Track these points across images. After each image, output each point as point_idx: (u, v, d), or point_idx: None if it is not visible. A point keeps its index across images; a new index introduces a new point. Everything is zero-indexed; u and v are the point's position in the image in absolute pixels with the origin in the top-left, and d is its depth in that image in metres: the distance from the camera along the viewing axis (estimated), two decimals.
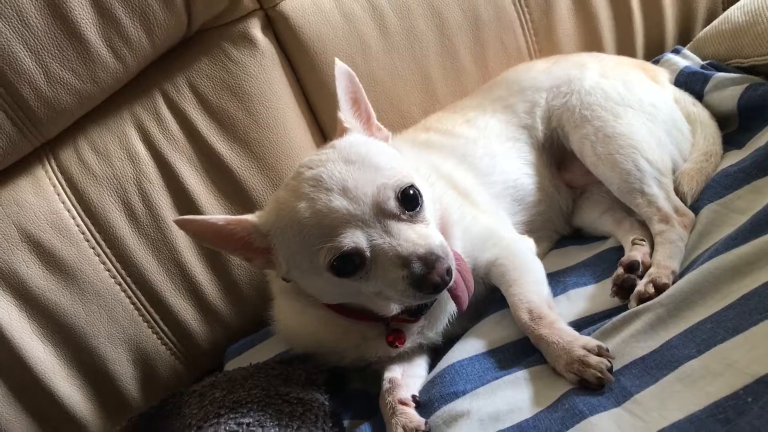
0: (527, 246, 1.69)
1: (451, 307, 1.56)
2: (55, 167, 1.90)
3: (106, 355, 1.91)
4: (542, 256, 1.78)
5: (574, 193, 1.90)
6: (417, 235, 1.33)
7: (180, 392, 1.58)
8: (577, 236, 1.89)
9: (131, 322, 1.94)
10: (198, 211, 1.96)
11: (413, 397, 1.46)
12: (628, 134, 1.70)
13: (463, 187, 1.73)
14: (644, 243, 1.59)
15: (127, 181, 1.92)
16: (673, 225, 1.56)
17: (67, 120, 1.86)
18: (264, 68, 1.99)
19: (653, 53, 2.28)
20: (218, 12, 1.93)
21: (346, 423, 1.49)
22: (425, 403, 1.43)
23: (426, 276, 1.28)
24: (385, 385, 1.49)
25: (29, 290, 1.84)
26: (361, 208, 1.31)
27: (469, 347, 1.50)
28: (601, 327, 1.37)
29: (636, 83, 1.85)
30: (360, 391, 1.62)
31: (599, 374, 1.24)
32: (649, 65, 2.04)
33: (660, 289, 1.39)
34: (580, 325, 1.44)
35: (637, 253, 1.55)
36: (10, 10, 1.65)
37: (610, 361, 1.25)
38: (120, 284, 1.92)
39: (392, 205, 1.34)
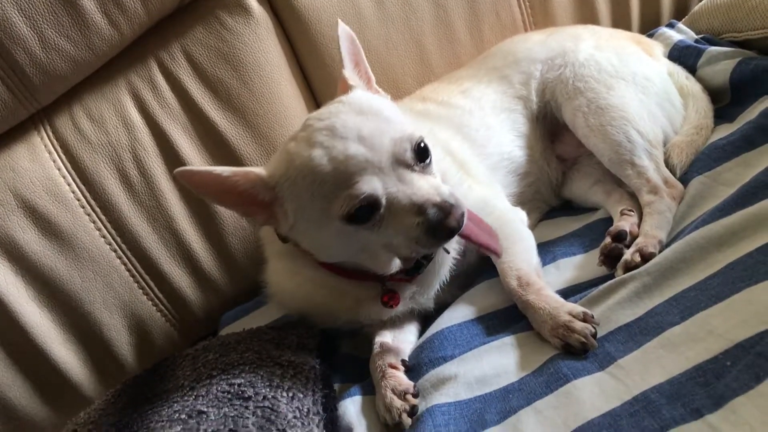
0: (519, 217, 1.70)
1: (444, 272, 1.59)
2: (51, 134, 1.90)
3: (101, 320, 1.94)
4: (532, 227, 1.79)
5: (564, 165, 1.92)
6: (429, 185, 1.35)
7: (173, 355, 1.60)
8: (568, 207, 1.91)
9: (126, 288, 1.96)
10: None
11: (403, 361, 1.48)
12: (620, 106, 1.72)
13: (461, 158, 1.74)
14: (633, 213, 1.61)
15: (122, 149, 1.93)
16: (662, 196, 1.58)
17: (62, 86, 1.86)
18: (259, 37, 1.98)
19: (648, 27, 2.28)
20: None
21: (336, 386, 1.52)
22: (414, 367, 1.46)
23: (442, 221, 1.30)
24: (376, 348, 1.52)
25: (25, 256, 1.86)
26: (378, 156, 1.32)
27: (458, 314, 1.52)
28: (588, 294, 1.39)
29: (630, 56, 1.85)
30: (350, 356, 1.64)
31: (583, 339, 1.26)
32: (644, 38, 2.05)
33: (646, 258, 1.41)
34: (568, 293, 1.47)
35: (625, 223, 1.57)
36: None
37: (594, 327, 1.28)
38: (115, 251, 1.94)
39: (408, 155, 1.35)
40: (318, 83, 2.12)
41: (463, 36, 2.19)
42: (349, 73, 1.52)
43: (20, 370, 1.89)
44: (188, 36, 1.96)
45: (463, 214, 1.32)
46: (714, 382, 1.06)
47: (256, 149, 2.01)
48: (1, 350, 1.86)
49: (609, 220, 1.67)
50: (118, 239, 1.94)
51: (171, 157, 1.96)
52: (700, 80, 1.91)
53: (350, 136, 1.33)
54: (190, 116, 1.98)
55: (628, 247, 1.49)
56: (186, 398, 1.34)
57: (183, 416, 1.27)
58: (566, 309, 1.32)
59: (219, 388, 1.32)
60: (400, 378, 1.40)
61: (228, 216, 2.01)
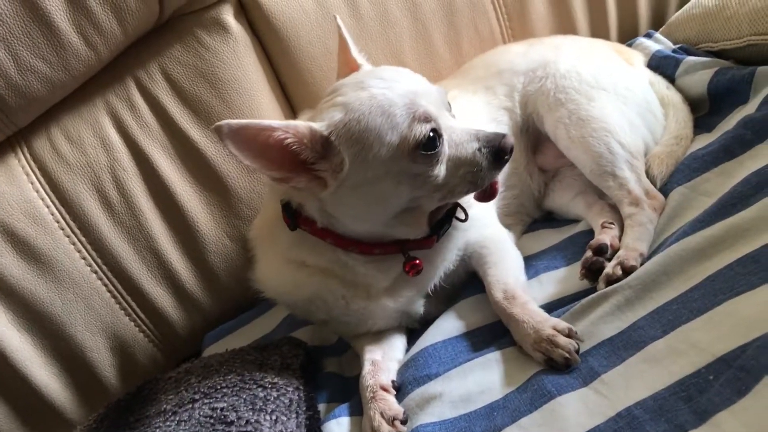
0: (510, 237, 1.71)
1: (441, 271, 1.58)
2: (29, 156, 1.89)
3: (83, 343, 1.92)
4: (516, 239, 1.79)
5: (546, 177, 1.92)
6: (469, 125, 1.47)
7: (156, 378, 1.59)
8: (549, 219, 1.91)
9: (108, 309, 1.94)
10: (173, 199, 1.97)
11: (392, 382, 1.47)
12: (601, 117, 1.72)
13: None
14: (613, 226, 1.62)
15: (101, 169, 1.92)
16: (643, 208, 1.58)
17: (39, 108, 1.85)
18: (237, 54, 1.98)
19: (626, 37, 2.30)
20: None
21: (321, 407, 1.51)
22: (399, 386, 1.45)
23: (501, 142, 1.40)
24: (367, 366, 1.50)
25: (4, 280, 1.84)
26: (433, 93, 1.45)
27: (443, 330, 1.52)
28: (571, 309, 1.39)
29: (611, 66, 1.86)
30: (335, 375, 1.63)
31: (566, 355, 1.26)
32: (624, 48, 2.06)
33: (628, 271, 1.41)
34: (551, 307, 1.46)
35: (606, 236, 1.57)
36: None
37: (578, 343, 1.28)
38: (96, 272, 1.92)
39: (447, 102, 1.49)
40: (297, 99, 2.12)
41: (441, 49, 2.19)
42: (355, 54, 1.62)
43: (0, 394, 1.86)
44: (166, 55, 1.96)
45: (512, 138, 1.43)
46: (697, 396, 1.06)
47: (237, 166, 2.00)
48: None
49: (590, 233, 1.67)
50: (99, 260, 1.92)
51: (151, 176, 1.95)
52: (678, 90, 1.92)
53: (401, 78, 1.44)
54: (170, 135, 1.97)
55: (610, 260, 1.49)
56: (168, 423, 1.33)
57: None
58: (550, 324, 1.32)
59: (201, 413, 1.31)
60: (390, 402, 1.39)
61: (209, 234, 2.00)
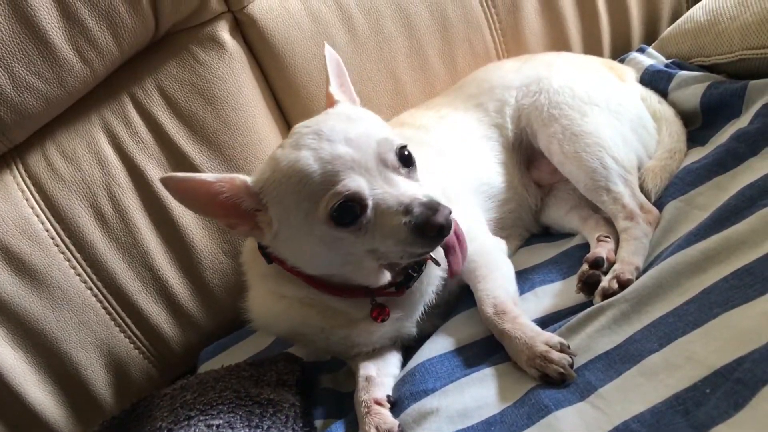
0: (499, 246, 1.71)
1: (431, 291, 1.58)
2: (24, 172, 1.88)
3: (78, 360, 1.91)
4: (512, 253, 1.80)
5: (543, 192, 1.92)
6: (415, 188, 1.36)
7: (151, 395, 1.58)
8: (545, 233, 1.92)
9: (103, 326, 1.93)
10: (168, 215, 1.97)
11: (387, 397, 1.46)
12: (595, 132, 1.73)
13: (443, 184, 1.72)
14: (609, 240, 1.62)
15: (97, 186, 1.92)
16: (637, 222, 1.59)
17: (34, 125, 1.85)
18: (232, 71, 1.99)
19: (619, 52, 2.32)
20: (186, 15, 1.93)
21: (317, 423, 1.50)
22: (396, 401, 1.44)
23: (429, 219, 1.29)
24: (361, 382, 1.49)
25: None
26: (365, 156, 1.33)
27: (438, 345, 1.51)
28: (567, 323, 1.39)
29: (603, 82, 1.87)
30: (331, 391, 1.63)
31: (561, 370, 1.26)
32: (616, 64, 2.07)
33: (623, 284, 1.41)
34: (547, 321, 1.47)
35: (602, 249, 1.58)
36: None
37: (571, 357, 1.28)
38: (91, 289, 1.91)
39: (392, 157, 1.37)
40: (293, 115, 2.12)
41: (436, 65, 2.20)
42: (334, 89, 1.56)
43: None
44: (162, 71, 1.96)
45: (450, 213, 1.31)
46: (694, 410, 1.05)
47: None
48: None
49: (586, 246, 1.67)
50: (94, 277, 1.92)
51: (146, 192, 1.95)
52: (671, 104, 1.93)
53: (337, 138, 1.35)
54: (165, 151, 1.97)
55: (606, 273, 1.49)
56: None
57: None
58: (542, 339, 1.32)
59: (197, 430, 1.30)
60: (384, 416, 1.38)
61: (205, 250, 2.00)
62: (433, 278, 1.58)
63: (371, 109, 2.09)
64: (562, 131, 1.75)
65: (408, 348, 1.63)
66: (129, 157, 1.95)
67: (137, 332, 1.98)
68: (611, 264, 1.53)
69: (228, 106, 1.98)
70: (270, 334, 1.75)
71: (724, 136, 1.67)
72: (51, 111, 1.84)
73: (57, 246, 1.89)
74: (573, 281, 1.54)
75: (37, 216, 1.87)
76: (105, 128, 1.94)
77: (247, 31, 2.04)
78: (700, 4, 2.09)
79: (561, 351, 1.29)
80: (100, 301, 1.92)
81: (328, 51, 1.59)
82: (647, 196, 1.66)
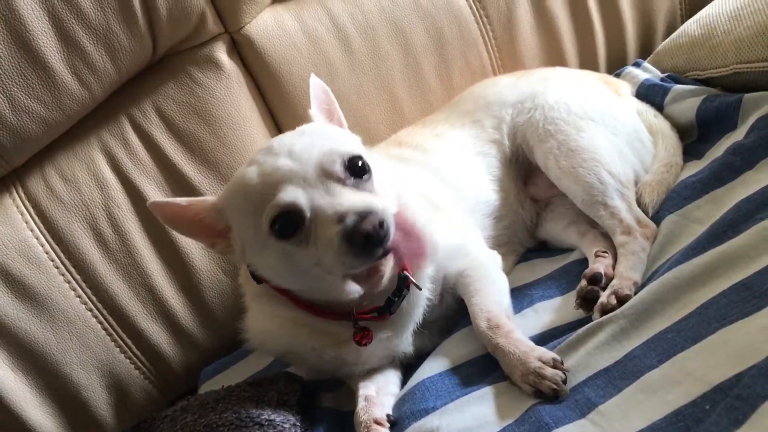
0: (494, 260, 1.71)
1: (418, 314, 1.57)
2: (23, 195, 1.89)
3: (78, 382, 1.90)
4: (509, 269, 1.80)
5: (538, 207, 1.93)
6: (360, 198, 1.33)
7: (152, 417, 1.58)
8: (543, 248, 1.92)
9: (103, 347, 1.93)
10: (168, 236, 1.97)
11: (387, 416, 1.46)
12: (591, 148, 1.74)
13: (438, 202, 1.74)
14: (607, 255, 1.62)
15: (96, 207, 1.92)
16: (635, 236, 1.59)
17: (33, 148, 1.86)
18: (230, 91, 2.00)
19: (615, 67, 2.33)
20: (183, 37, 1.94)
21: None
22: (396, 420, 1.44)
23: (356, 226, 1.27)
24: (361, 402, 1.49)
25: None
26: (304, 167, 1.33)
27: (438, 363, 1.51)
28: (567, 339, 1.39)
29: (599, 97, 1.88)
30: (332, 410, 1.62)
31: (554, 386, 1.26)
32: (611, 79, 2.09)
33: (622, 300, 1.41)
34: (546, 337, 1.47)
35: (600, 265, 1.58)
36: None
37: (565, 373, 1.28)
38: (91, 310, 1.91)
39: (337, 168, 1.35)
40: None
41: (433, 82, 2.22)
42: (313, 111, 1.57)
43: None
44: (160, 92, 1.98)
45: (383, 222, 1.28)
46: (694, 426, 1.05)
47: None
48: None
49: (584, 262, 1.68)
50: (94, 298, 1.91)
51: (145, 213, 1.95)
52: (667, 118, 1.94)
53: (282, 151, 1.37)
54: (164, 172, 1.98)
55: (604, 288, 1.49)
56: None
57: None
58: (536, 354, 1.32)
59: None
60: None
61: (205, 270, 2.00)
62: (420, 299, 1.56)
63: (368, 126, 2.15)
64: (558, 147, 1.76)
65: (409, 365, 1.63)
66: (128, 179, 1.95)
67: (138, 353, 1.98)
68: (609, 279, 1.53)
69: (226, 126, 1.99)
70: (266, 353, 1.75)
71: (720, 149, 1.68)
72: (50, 134, 1.85)
73: (57, 268, 1.89)
74: (572, 297, 1.54)
75: (37, 238, 1.88)
76: (104, 150, 1.95)
77: (244, 52, 2.06)
78: (694, 18, 2.10)
79: (554, 367, 1.29)
80: (101, 323, 1.92)
81: (313, 80, 1.60)
82: (644, 210, 1.66)
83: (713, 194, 1.57)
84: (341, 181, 1.36)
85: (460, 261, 1.63)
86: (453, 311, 1.65)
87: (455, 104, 2.06)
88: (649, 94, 2.02)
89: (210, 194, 1.98)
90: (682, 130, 1.91)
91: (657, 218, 1.63)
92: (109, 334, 1.94)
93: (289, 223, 1.32)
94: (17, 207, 1.88)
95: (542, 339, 1.46)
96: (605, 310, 1.41)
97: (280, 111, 2.12)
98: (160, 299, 1.98)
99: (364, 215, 1.28)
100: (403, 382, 1.59)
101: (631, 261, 1.54)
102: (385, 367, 1.61)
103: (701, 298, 1.27)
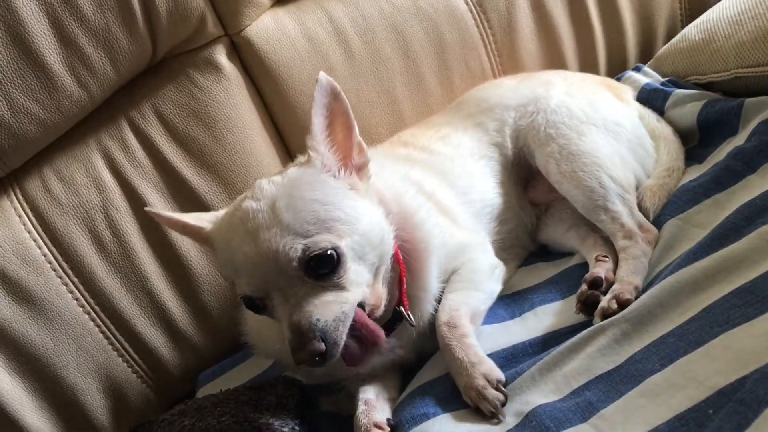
0: (495, 271, 1.69)
1: (423, 322, 1.56)
2: (21, 197, 1.88)
3: (75, 385, 1.89)
4: (512, 272, 1.80)
5: (538, 210, 1.92)
6: (315, 303, 1.30)
7: (149, 421, 1.57)
8: (544, 252, 1.91)
9: (101, 351, 1.92)
10: (166, 238, 1.96)
11: (387, 420, 1.44)
12: (592, 152, 1.73)
13: (445, 206, 1.73)
14: (607, 259, 1.61)
15: (94, 209, 1.91)
16: (636, 241, 1.58)
17: (32, 149, 1.85)
18: (230, 94, 2.00)
19: (615, 71, 2.32)
20: (183, 39, 1.94)
21: None
22: (396, 425, 1.42)
23: (296, 352, 1.28)
24: (360, 406, 1.47)
25: None
26: (263, 261, 1.30)
27: (438, 367, 1.49)
28: (568, 342, 1.38)
29: (601, 101, 1.88)
30: (331, 414, 1.61)
31: (492, 409, 1.29)
32: (614, 83, 2.08)
33: (623, 304, 1.40)
34: (549, 340, 1.46)
35: (600, 269, 1.57)
36: None
37: (505, 396, 1.31)
38: (88, 313, 1.90)
39: (294, 267, 1.30)
40: (291, 138, 2.13)
41: (433, 86, 2.21)
42: (312, 141, 1.44)
43: None
44: (159, 95, 1.97)
45: (320, 353, 1.26)
46: (697, 431, 1.05)
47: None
48: None
49: (585, 266, 1.67)
50: (91, 301, 1.90)
51: (144, 216, 1.93)
52: (668, 122, 1.94)
53: (251, 231, 1.32)
54: (163, 175, 1.97)
55: (605, 293, 1.48)
56: None
57: None
58: (482, 370, 1.33)
59: None
60: None
61: (203, 273, 1.99)
62: (426, 311, 1.56)
63: (369, 129, 2.14)
64: (559, 151, 1.75)
65: (409, 369, 1.62)
66: (127, 181, 1.94)
67: (135, 356, 1.96)
68: (610, 284, 1.52)
69: (225, 128, 1.99)
70: (266, 357, 1.74)
71: (721, 153, 1.68)
72: (48, 136, 1.84)
73: (54, 270, 1.88)
74: (573, 301, 1.53)
75: (35, 240, 1.87)
76: (102, 152, 1.94)
77: (243, 55, 2.05)
78: (694, 23, 2.10)
79: (497, 388, 1.31)
80: (98, 326, 1.91)
81: (320, 82, 1.40)
82: (645, 214, 1.65)
83: (715, 198, 1.56)
84: (300, 279, 1.31)
85: (458, 260, 1.63)
86: None
87: (457, 107, 2.05)
88: (649, 99, 2.02)
89: (209, 197, 1.99)
90: (683, 135, 1.90)
91: (658, 222, 1.63)
92: (107, 338, 1.92)
93: (253, 305, 1.38)
94: (15, 209, 1.87)
95: (543, 342, 1.45)
96: (606, 314, 1.40)
97: (279, 114, 2.11)
98: (157, 302, 1.97)
99: (304, 340, 1.27)
100: (402, 387, 1.58)
101: (632, 265, 1.53)
102: (385, 372, 1.60)
103: (703, 302, 1.26)
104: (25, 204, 1.88)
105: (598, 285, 1.52)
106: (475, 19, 2.22)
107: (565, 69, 2.28)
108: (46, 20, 1.72)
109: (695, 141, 1.89)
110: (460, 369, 1.35)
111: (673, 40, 2.17)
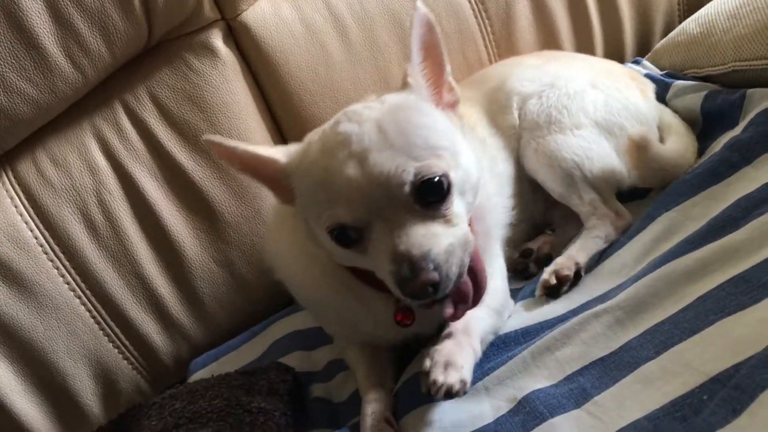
0: (509, 302, 1.59)
1: None
2: (13, 179, 1.87)
3: (65, 370, 1.88)
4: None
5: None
6: (424, 233, 1.20)
7: (140, 404, 1.57)
8: None
9: (91, 336, 1.90)
10: (159, 222, 1.95)
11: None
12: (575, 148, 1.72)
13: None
14: (552, 233, 1.78)
15: (87, 193, 1.90)
16: (605, 223, 1.63)
17: (25, 131, 1.83)
18: (226, 78, 1.98)
19: None
20: (179, 22, 1.92)
21: None
22: (394, 412, 1.41)
23: (407, 282, 1.17)
24: (371, 406, 1.41)
25: None
26: (371, 185, 1.19)
27: None
28: (561, 328, 1.37)
29: (625, 98, 1.81)
30: (323, 401, 1.60)
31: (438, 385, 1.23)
32: (639, 76, 1.99)
33: (561, 280, 1.49)
34: (542, 328, 1.45)
35: (537, 242, 1.75)
36: None
37: (454, 393, 1.24)
38: (80, 297, 1.89)
39: (405, 192, 1.20)
40: (286, 123, 2.11)
41: None
42: (411, 68, 1.38)
43: None
44: (154, 78, 1.95)
45: (435, 283, 1.17)
46: (692, 417, 1.04)
47: (225, 190, 1.99)
48: None
49: None
50: (83, 285, 1.89)
51: (137, 200, 1.93)
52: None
53: (356, 153, 1.21)
54: (157, 158, 1.96)
55: (539, 262, 1.69)
56: None
57: None
58: (458, 377, 1.25)
59: None
60: None
61: (196, 259, 1.98)
62: None
63: None
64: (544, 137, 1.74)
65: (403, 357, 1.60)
66: (120, 165, 1.93)
67: (126, 342, 1.95)
68: (544, 255, 1.70)
69: (220, 113, 1.97)
70: (294, 294, 1.64)
71: (718, 145, 1.67)
72: (42, 117, 1.83)
73: (46, 254, 1.86)
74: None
75: (26, 223, 1.85)
76: (96, 135, 1.92)
77: (240, 39, 2.03)
78: (693, 17, 2.09)
79: (446, 393, 1.22)
80: (89, 310, 1.90)
81: (418, 13, 1.33)
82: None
83: (710, 191, 1.55)
84: (408, 206, 1.22)
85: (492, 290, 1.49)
86: None
87: (480, 82, 1.97)
88: None
89: (204, 182, 1.97)
90: None
91: (653, 215, 1.61)
92: (98, 323, 1.91)
93: (345, 236, 1.25)
94: (7, 191, 1.86)
95: (536, 331, 1.44)
96: (546, 286, 1.52)
97: (275, 100, 2.09)
98: (149, 288, 1.96)
99: (417, 270, 1.16)
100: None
101: (584, 243, 1.59)
102: (383, 358, 1.57)
103: (699, 290, 1.26)
104: (17, 186, 1.86)
105: (527, 255, 1.71)
106: (473, 10, 2.20)
107: None
108: None
109: (696, 132, 1.88)
110: (444, 349, 1.28)
111: (671, 34, 2.16)
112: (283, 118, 2.12)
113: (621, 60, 2.33)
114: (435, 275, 1.16)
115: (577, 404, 1.20)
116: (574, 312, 1.45)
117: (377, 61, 2.13)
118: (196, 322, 2.02)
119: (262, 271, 1.79)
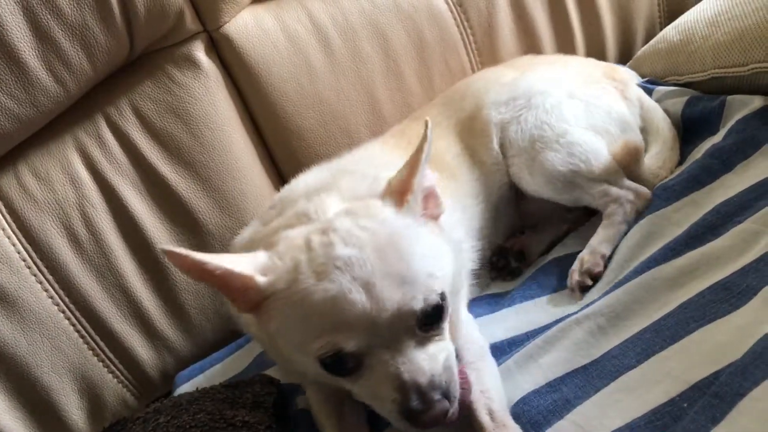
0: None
1: None
2: None
3: (50, 385, 1.86)
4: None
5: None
6: (424, 357, 1.18)
7: (124, 419, 1.55)
8: None
9: (76, 350, 1.89)
10: (142, 235, 1.94)
11: None
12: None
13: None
14: (524, 234, 1.84)
15: (70, 206, 1.88)
16: (621, 204, 1.64)
17: (6, 145, 1.82)
18: (208, 90, 1.98)
19: None
20: (161, 35, 1.91)
21: None
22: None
23: (420, 415, 1.14)
24: None
25: None
26: (378, 312, 1.15)
27: None
28: (543, 335, 1.38)
29: (606, 104, 1.82)
30: (308, 413, 1.59)
31: None
32: (618, 73, 1.98)
33: (595, 278, 1.52)
34: (531, 335, 1.46)
35: (512, 241, 1.81)
36: None
37: None
38: (63, 311, 1.87)
39: (411, 322, 1.18)
40: (270, 135, 2.11)
41: (413, 85, 2.20)
42: (416, 189, 1.29)
43: None
44: (136, 91, 1.94)
45: (446, 413, 1.15)
46: (672, 425, 1.05)
47: (209, 203, 1.98)
48: None
49: (561, 259, 1.68)
50: (66, 299, 1.88)
51: (120, 213, 1.92)
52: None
53: (360, 279, 1.16)
54: (140, 171, 1.95)
55: (515, 258, 1.77)
56: None
57: None
58: None
59: None
60: None
61: (180, 272, 1.96)
62: None
63: (348, 128, 2.14)
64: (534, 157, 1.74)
65: None
66: (103, 178, 1.92)
67: (111, 356, 1.94)
68: (516, 251, 1.78)
69: (203, 125, 1.97)
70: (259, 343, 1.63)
71: (699, 152, 1.69)
72: (23, 131, 1.81)
73: (29, 268, 1.85)
74: (554, 295, 1.57)
75: (8, 237, 1.83)
76: (79, 149, 1.91)
77: (222, 51, 2.03)
78: (673, 24, 2.11)
79: None
80: (73, 324, 1.88)
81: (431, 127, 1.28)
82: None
83: (692, 197, 1.57)
84: (411, 333, 1.19)
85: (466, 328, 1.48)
86: None
87: (450, 98, 1.97)
88: None
89: (186, 194, 1.96)
90: None
91: (635, 221, 1.63)
92: (82, 336, 1.90)
93: (342, 364, 1.19)
94: None
95: (524, 340, 1.44)
96: (582, 286, 1.52)
97: (258, 111, 2.09)
98: (134, 301, 1.94)
99: (429, 400, 1.14)
100: None
101: (605, 234, 1.60)
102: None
103: (680, 298, 1.27)
104: None
105: (503, 252, 1.78)
106: (455, 19, 2.22)
107: None
108: (21, 13, 1.68)
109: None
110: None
111: (651, 42, 2.18)
112: (266, 129, 2.11)
113: None
114: (446, 404, 1.15)
115: (560, 416, 1.20)
116: (558, 320, 1.45)
117: (360, 71, 2.13)
118: (181, 334, 2.01)
119: None
